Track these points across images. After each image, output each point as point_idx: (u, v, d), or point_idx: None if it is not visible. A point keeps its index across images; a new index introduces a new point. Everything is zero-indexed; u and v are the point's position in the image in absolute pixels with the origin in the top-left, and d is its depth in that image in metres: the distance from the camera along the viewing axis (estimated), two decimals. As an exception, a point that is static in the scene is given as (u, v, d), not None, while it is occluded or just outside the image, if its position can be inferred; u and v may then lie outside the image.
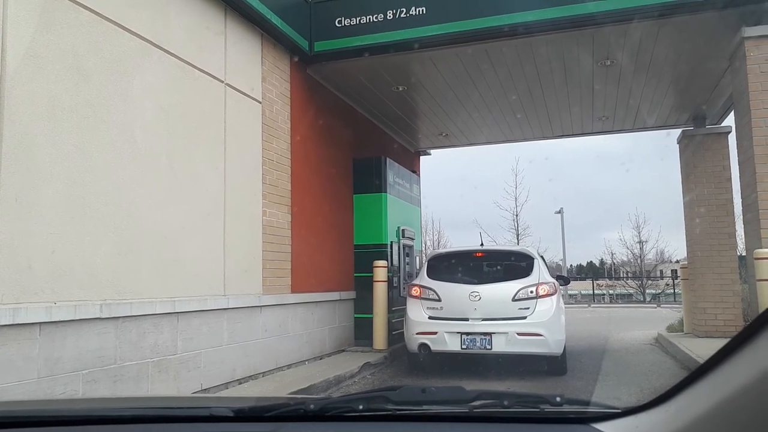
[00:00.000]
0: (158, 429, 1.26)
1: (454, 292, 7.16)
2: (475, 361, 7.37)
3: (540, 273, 7.20)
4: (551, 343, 6.79)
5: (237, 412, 1.27)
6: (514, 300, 6.96)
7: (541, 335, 6.76)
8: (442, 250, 8.64)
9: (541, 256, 8.01)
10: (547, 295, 6.99)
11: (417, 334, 7.18)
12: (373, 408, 1.25)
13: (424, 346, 7.12)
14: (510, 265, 7.53)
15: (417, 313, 7.28)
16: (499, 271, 7.53)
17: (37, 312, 3.96)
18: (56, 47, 4.29)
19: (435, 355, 7.29)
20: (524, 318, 6.87)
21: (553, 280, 7.38)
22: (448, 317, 7.08)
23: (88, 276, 4.43)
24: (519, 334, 6.78)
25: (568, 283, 12.09)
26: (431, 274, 7.52)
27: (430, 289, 7.32)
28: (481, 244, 8.10)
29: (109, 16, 4.75)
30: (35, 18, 4.14)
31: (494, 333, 6.84)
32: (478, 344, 6.89)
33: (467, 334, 6.93)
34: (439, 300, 7.20)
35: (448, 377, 7.12)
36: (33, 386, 3.92)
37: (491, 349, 6.84)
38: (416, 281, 7.76)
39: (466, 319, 6.97)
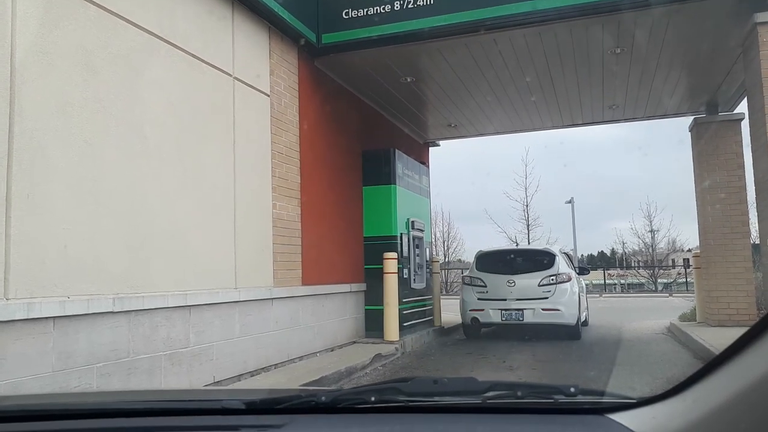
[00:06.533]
0: (170, 422, 1.26)
1: (496, 280, 9.80)
2: (511, 329, 10.07)
3: (559, 265, 9.72)
4: (567, 315, 9.34)
5: (249, 405, 1.27)
6: (539, 285, 9.51)
7: (559, 310, 9.31)
8: (486, 249, 10.96)
9: (565, 253, 10.53)
10: (564, 281, 9.55)
11: (470, 311, 9.89)
12: (384, 399, 1.24)
13: (475, 320, 9.84)
14: (537, 260, 10.01)
15: (469, 296, 10.03)
16: (529, 264, 9.99)
17: (51, 306, 4.00)
18: (64, 43, 4.29)
19: (482, 326, 10.02)
20: (547, 298, 9.42)
21: (570, 271, 9.94)
22: (492, 298, 9.73)
23: (100, 270, 4.46)
24: (543, 309, 9.36)
25: (588, 273, 13.60)
26: (479, 267, 10.24)
27: (478, 278, 10.05)
28: (516, 245, 9.99)
29: (116, 11, 4.75)
30: (43, 14, 4.15)
31: (525, 309, 9.45)
32: (513, 317, 9.53)
33: (506, 310, 9.55)
34: (485, 286, 9.88)
35: (490, 340, 9.86)
36: (48, 380, 3.96)
37: (523, 320, 9.46)
38: (468, 273, 10.62)
39: (505, 300, 9.61)
